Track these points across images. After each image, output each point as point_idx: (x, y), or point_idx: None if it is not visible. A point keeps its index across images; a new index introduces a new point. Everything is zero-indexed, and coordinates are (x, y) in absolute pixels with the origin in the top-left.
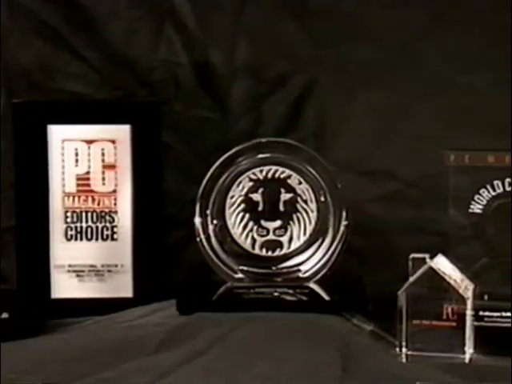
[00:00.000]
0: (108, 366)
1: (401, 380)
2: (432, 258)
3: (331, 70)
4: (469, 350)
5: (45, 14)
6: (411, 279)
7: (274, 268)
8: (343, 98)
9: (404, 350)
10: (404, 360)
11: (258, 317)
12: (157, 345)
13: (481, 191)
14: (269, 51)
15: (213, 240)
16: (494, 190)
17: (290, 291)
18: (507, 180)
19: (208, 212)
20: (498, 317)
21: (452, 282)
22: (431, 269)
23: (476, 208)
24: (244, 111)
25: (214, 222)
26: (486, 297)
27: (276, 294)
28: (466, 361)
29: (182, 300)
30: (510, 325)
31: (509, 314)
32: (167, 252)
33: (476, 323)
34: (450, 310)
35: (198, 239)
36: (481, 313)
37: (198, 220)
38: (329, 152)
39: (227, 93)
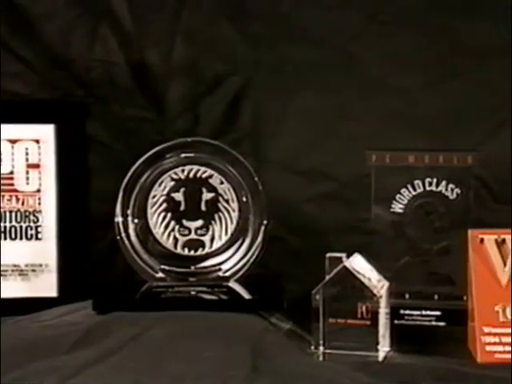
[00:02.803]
0: (19, 365)
1: (310, 378)
2: (349, 257)
3: (268, 71)
4: (382, 348)
5: None
6: (326, 278)
7: (193, 267)
8: (279, 98)
9: (321, 348)
10: (321, 358)
11: (175, 316)
12: (71, 344)
13: (402, 191)
14: (206, 51)
15: (134, 239)
16: (415, 189)
17: (210, 290)
18: (427, 179)
19: (129, 211)
20: (418, 315)
21: (366, 282)
22: (346, 268)
23: (397, 207)
24: (181, 111)
25: (135, 221)
26: (407, 295)
27: (193, 293)
28: (380, 359)
29: (99, 299)
30: (430, 323)
31: (429, 312)
32: (96, 251)
33: (396, 321)
34: (364, 308)
35: (118, 238)
36: (401, 311)
37: (118, 219)
38: (265, 152)
39: (164, 93)
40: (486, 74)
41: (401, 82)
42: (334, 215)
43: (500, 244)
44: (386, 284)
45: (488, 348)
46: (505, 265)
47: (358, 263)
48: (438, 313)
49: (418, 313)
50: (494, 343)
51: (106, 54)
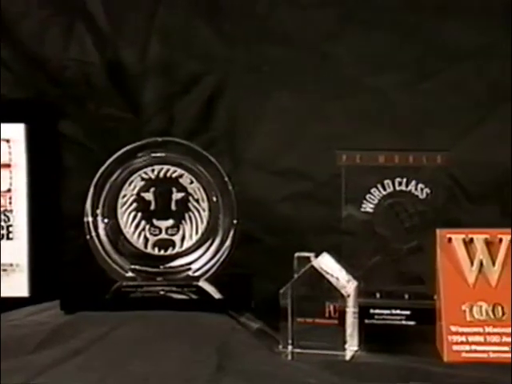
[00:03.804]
0: None
1: (275, 377)
2: (317, 256)
3: (243, 70)
4: (350, 347)
5: None
6: (294, 278)
7: (162, 267)
8: (255, 97)
9: (289, 347)
10: (289, 358)
11: (143, 316)
12: (37, 344)
13: (372, 190)
14: (181, 51)
15: (104, 239)
16: (385, 189)
17: (179, 290)
18: (397, 179)
19: (98, 211)
20: (388, 314)
21: (334, 281)
22: (314, 268)
23: (368, 207)
24: (156, 111)
25: (105, 220)
26: (377, 295)
27: (162, 292)
28: (347, 358)
29: (67, 299)
30: (400, 322)
31: (399, 311)
32: (72, 251)
33: (367, 321)
34: (332, 308)
35: (87, 237)
36: (371, 310)
37: (88, 218)
38: (241, 151)
39: (139, 92)
40: (459, 75)
41: (376, 81)
42: (310, 215)
43: (468, 243)
44: (355, 283)
45: (455, 347)
46: (472, 264)
47: (326, 263)
48: (407, 312)
49: (388, 312)
50: (461, 342)
51: (82, 53)
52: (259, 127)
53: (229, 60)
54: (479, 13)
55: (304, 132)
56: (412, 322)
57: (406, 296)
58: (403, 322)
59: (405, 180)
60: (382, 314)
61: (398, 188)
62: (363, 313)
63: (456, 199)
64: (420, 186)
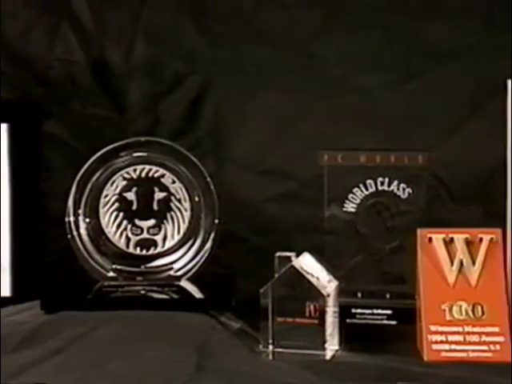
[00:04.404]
0: None
1: (254, 377)
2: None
3: (229, 70)
4: (330, 346)
5: None
6: (274, 278)
7: (144, 267)
8: (241, 97)
9: (270, 347)
10: (270, 357)
11: (123, 315)
12: (17, 343)
13: (354, 190)
14: (166, 51)
15: (85, 238)
16: (367, 189)
17: (160, 289)
18: (379, 179)
19: (80, 211)
20: (369, 314)
21: (314, 281)
22: (294, 268)
23: (350, 207)
24: (141, 110)
25: (87, 220)
26: (359, 294)
27: (143, 292)
28: (328, 357)
29: (47, 299)
30: (381, 322)
31: (380, 311)
32: (56, 250)
33: (348, 320)
34: (312, 307)
35: (69, 237)
36: (353, 310)
37: (70, 218)
38: (226, 151)
39: (124, 92)
40: (445, 74)
41: (362, 81)
42: (295, 214)
43: (448, 243)
44: (335, 283)
45: (434, 346)
46: (452, 264)
47: (307, 262)
48: (389, 312)
49: (369, 311)
50: (441, 342)
51: (67, 53)
52: (244, 127)
53: (214, 60)
54: (464, 13)
55: (290, 132)
56: (393, 322)
57: (388, 295)
58: (385, 322)
59: (387, 180)
60: (363, 314)
61: (380, 188)
62: (345, 312)
63: (440, 199)
64: (402, 185)
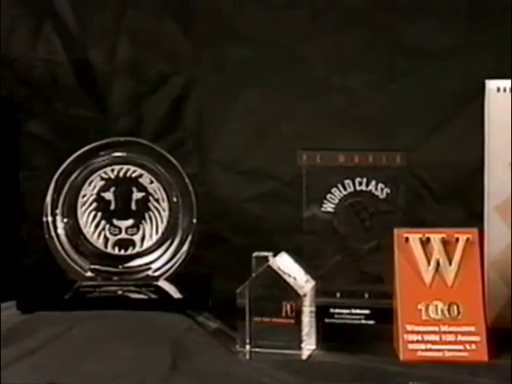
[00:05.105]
0: None
1: (228, 376)
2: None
3: (211, 71)
4: (307, 346)
5: None
6: (251, 277)
7: (122, 267)
8: (223, 98)
9: (247, 347)
10: (247, 357)
11: (100, 315)
12: None
13: (333, 190)
14: (149, 51)
15: (63, 239)
16: (346, 188)
17: (138, 289)
18: (357, 179)
19: (58, 211)
20: (347, 314)
21: (291, 281)
22: (270, 267)
23: (329, 207)
24: (124, 110)
25: (65, 220)
26: (338, 294)
27: (120, 292)
28: (304, 357)
29: (23, 299)
30: (359, 321)
31: (358, 310)
32: (38, 251)
33: (327, 320)
34: (288, 307)
35: (46, 236)
36: (331, 310)
37: (47, 218)
38: (208, 151)
39: (107, 92)
40: (427, 75)
41: (344, 81)
42: (277, 214)
43: (425, 243)
44: (312, 283)
45: (411, 346)
46: (429, 264)
47: (284, 262)
48: (367, 311)
49: (347, 311)
50: (417, 341)
51: (49, 53)
52: (227, 127)
53: (196, 60)
54: (446, 13)
55: (272, 132)
56: (371, 321)
57: (367, 295)
58: (363, 322)
59: (365, 180)
60: (341, 314)
61: (358, 188)
62: (323, 312)
63: (422, 199)
64: (380, 185)
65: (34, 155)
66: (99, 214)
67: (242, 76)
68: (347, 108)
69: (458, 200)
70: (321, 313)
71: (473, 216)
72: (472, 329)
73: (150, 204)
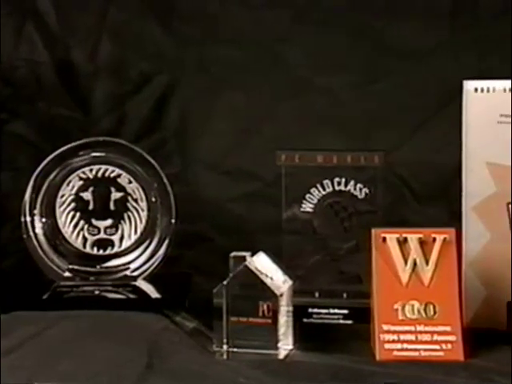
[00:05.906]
0: None
1: (204, 376)
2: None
3: (194, 71)
4: (284, 346)
5: None
6: (228, 277)
7: (100, 267)
8: (206, 98)
9: (224, 347)
10: (224, 357)
11: (77, 315)
12: None
13: (311, 190)
14: (132, 51)
15: (41, 238)
16: (324, 189)
17: (116, 289)
18: (336, 179)
19: (36, 211)
20: (326, 313)
21: (268, 281)
22: (247, 267)
23: (308, 207)
24: (106, 111)
25: (43, 220)
26: (316, 294)
27: (97, 292)
28: (281, 357)
29: (0, 299)
30: (337, 321)
31: (337, 310)
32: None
33: (305, 320)
34: (265, 307)
35: (24, 236)
36: (310, 310)
37: (25, 218)
38: (191, 152)
39: (90, 92)
40: (409, 75)
41: (326, 82)
42: (260, 214)
43: (402, 243)
44: (290, 283)
45: (387, 346)
46: (406, 263)
47: (262, 262)
48: (345, 311)
49: (326, 311)
50: (393, 341)
51: (32, 52)
52: (210, 127)
53: (180, 60)
54: (427, 13)
55: (255, 132)
56: (350, 321)
57: (345, 295)
58: (341, 321)
59: (343, 180)
60: (320, 314)
61: (337, 188)
62: (301, 312)
63: (404, 199)
64: (359, 185)
65: (16, 155)
66: (78, 214)
67: (225, 76)
68: (329, 108)
69: (440, 200)
70: (299, 313)
71: (454, 215)
72: (448, 328)
73: (128, 204)
